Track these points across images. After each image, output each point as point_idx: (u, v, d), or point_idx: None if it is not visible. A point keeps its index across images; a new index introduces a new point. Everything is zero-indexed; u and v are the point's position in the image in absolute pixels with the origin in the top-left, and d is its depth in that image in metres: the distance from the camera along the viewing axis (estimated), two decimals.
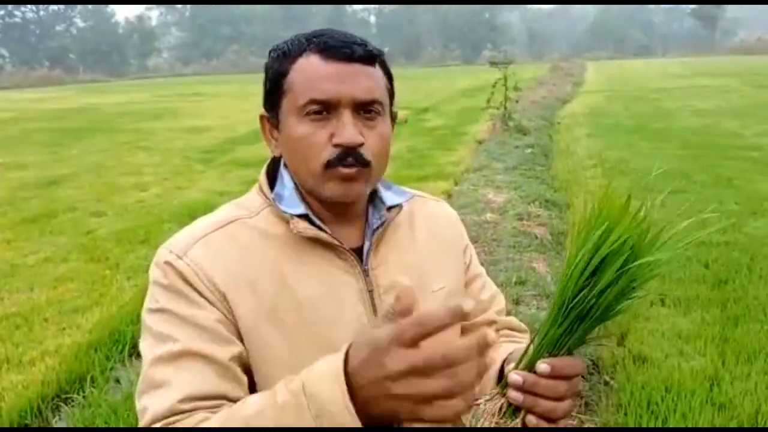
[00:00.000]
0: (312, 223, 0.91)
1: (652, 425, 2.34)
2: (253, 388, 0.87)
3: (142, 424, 0.81)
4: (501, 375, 0.92)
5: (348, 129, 0.86)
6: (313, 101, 0.86)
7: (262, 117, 0.95)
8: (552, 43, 72.77)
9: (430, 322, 0.57)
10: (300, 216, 0.91)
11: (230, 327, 0.86)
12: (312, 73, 0.87)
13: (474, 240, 4.36)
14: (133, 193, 6.94)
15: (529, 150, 7.95)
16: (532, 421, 0.76)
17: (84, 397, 2.73)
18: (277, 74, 0.90)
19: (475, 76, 21.91)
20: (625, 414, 2.42)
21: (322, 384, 0.64)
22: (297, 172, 0.92)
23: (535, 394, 0.75)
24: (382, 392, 0.59)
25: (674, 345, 2.97)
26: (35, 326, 3.54)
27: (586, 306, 0.73)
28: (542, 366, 0.75)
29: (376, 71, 0.90)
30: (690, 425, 2.34)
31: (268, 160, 0.99)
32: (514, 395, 0.75)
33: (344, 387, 0.62)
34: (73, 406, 2.72)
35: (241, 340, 0.87)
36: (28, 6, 57.94)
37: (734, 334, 3.04)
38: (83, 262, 4.63)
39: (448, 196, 5.93)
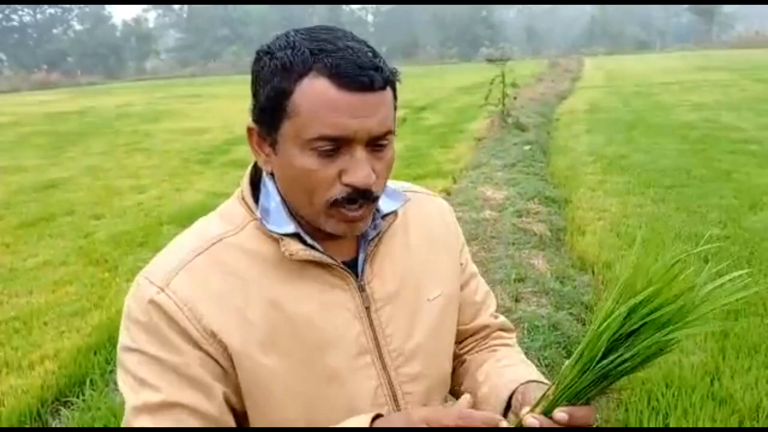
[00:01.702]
0: (303, 240, 0.85)
1: (653, 421, 2.34)
2: (244, 416, 0.85)
3: None
4: (508, 406, 0.91)
5: (362, 169, 0.78)
6: (323, 137, 0.77)
7: (250, 129, 0.85)
8: (550, 39, 72.72)
9: (469, 419, 0.70)
10: (290, 235, 0.84)
11: (216, 367, 0.81)
12: (324, 104, 0.76)
13: (473, 237, 4.36)
14: (131, 196, 6.94)
15: (528, 147, 7.94)
16: None
17: (83, 400, 2.73)
18: (277, 92, 0.78)
19: (473, 74, 21.90)
20: (626, 410, 2.42)
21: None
22: (294, 201, 0.85)
23: None
24: None
25: None
26: (34, 330, 3.53)
27: (613, 365, 0.73)
28: (560, 415, 0.75)
29: (389, 94, 0.81)
30: (691, 420, 2.34)
31: (250, 165, 0.92)
32: None
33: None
34: (72, 410, 2.71)
35: (234, 370, 0.82)
36: (26, 9, 57.94)
37: (734, 328, 3.03)
38: (82, 265, 4.63)
39: (447, 194, 5.92)
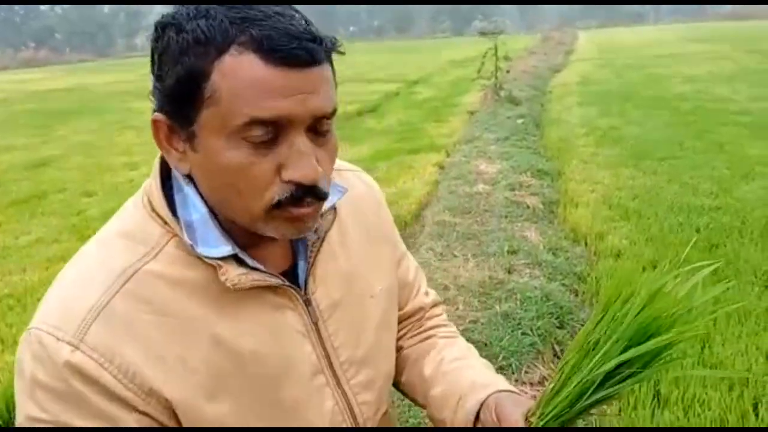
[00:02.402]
0: (241, 261, 0.71)
1: (644, 388, 2.37)
2: None
3: None
4: (477, 416, 0.84)
5: (306, 161, 0.65)
6: (256, 122, 0.63)
7: (155, 122, 0.68)
8: (543, 12, 72.08)
9: None
10: (226, 258, 0.70)
11: (155, 425, 0.68)
12: (252, 84, 0.62)
13: (466, 211, 4.37)
14: (123, 173, 6.90)
15: (521, 120, 7.92)
16: None
17: None
18: (191, 73, 0.63)
19: (465, 48, 21.74)
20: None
21: None
22: (224, 208, 0.70)
23: None
24: None
25: None
26: (29, 307, 3.53)
27: (600, 397, 0.72)
28: None
29: (329, 69, 0.67)
30: (682, 387, 2.37)
31: (157, 162, 0.74)
32: None
33: None
34: None
35: (180, 424, 0.70)
36: None
37: (725, 296, 3.06)
38: (75, 242, 4.61)
39: (440, 168, 5.92)
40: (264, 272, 0.72)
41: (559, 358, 2.61)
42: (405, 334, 1.00)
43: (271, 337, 0.73)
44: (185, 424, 0.69)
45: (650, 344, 0.68)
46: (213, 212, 0.71)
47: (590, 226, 4.11)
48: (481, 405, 0.83)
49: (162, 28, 0.65)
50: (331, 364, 0.79)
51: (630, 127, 7.49)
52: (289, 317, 0.75)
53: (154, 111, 0.68)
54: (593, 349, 0.71)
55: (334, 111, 0.68)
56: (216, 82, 0.62)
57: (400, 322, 0.97)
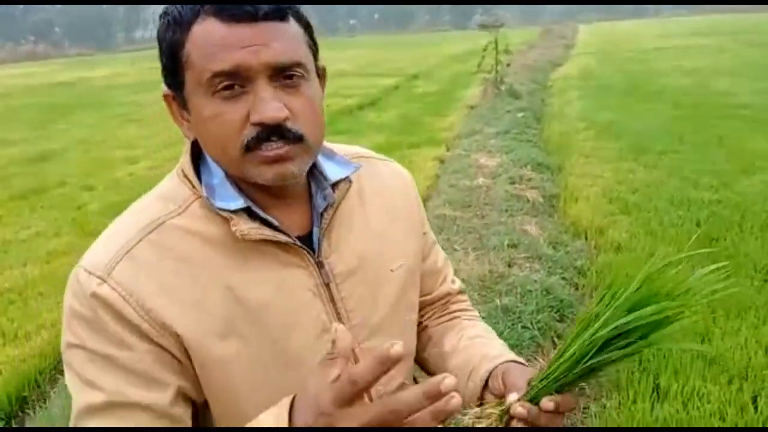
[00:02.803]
0: (253, 215, 0.79)
1: (643, 381, 2.38)
2: (205, 408, 0.81)
3: None
4: (486, 384, 0.89)
5: (266, 103, 0.72)
6: (217, 74, 0.72)
7: (166, 97, 0.81)
8: (543, 6, 71.83)
9: (362, 379, 0.56)
10: (239, 210, 0.78)
11: (170, 360, 0.76)
12: (212, 41, 0.72)
13: (467, 205, 4.37)
14: (123, 167, 6.90)
15: (521, 114, 7.91)
16: None
17: None
18: (172, 46, 0.75)
19: (466, 42, 21.67)
20: (617, 371, 2.46)
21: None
22: (216, 159, 0.79)
23: (535, 426, 0.76)
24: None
25: None
26: (30, 301, 3.54)
27: (599, 362, 0.75)
28: (548, 404, 0.75)
29: (291, 26, 0.76)
30: (681, 380, 2.38)
31: (189, 140, 0.84)
32: (518, 426, 0.77)
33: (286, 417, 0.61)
34: None
35: (191, 362, 0.77)
36: None
37: (725, 290, 3.07)
38: (75, 236, 4.62)
39: (441, 162, 5.92)
40: (275, 229, 0.79)
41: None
42: (431, 316, 1.06)
43: (279, 291, 0.80)
44: (195, 361, 0.76)
45: (648, 311, 0.71)
46: (228, 176, 0.80)
47: (591, 219, 4.11)
48: (490, 374, 0.87)
49: (160, 17, 0.77)
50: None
51: (630, 120, 7.48)
52: (299, 275, 0.81)
53: (164, 87, 0.80)
54: (594, 320, 0.74)
55: (299, 63, 0.75)
56: (188, 48, 0.73)
57: (427, 305, 1.05)
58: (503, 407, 0.79)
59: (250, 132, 0.73)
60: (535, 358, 2.56)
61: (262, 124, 0.73)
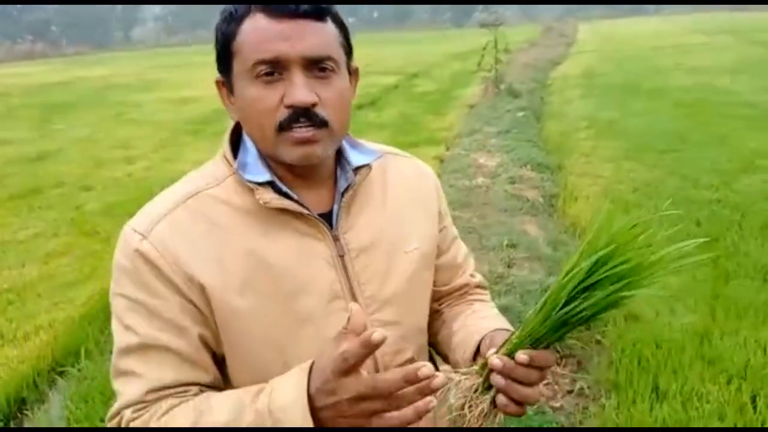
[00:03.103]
0: (278, 190, 0.89)
1: (642, 381, 2.37)
2: (223, 361, 0.91)
3: (115, 406, 0.86)
4: (477, 351, 0.94)
5: (298, 89, 0.83)
6: (260, 62, 0.83)
7: (217, 82, 0.92)
8: (543, 4, 71.75)
9: (351, 357, 0.69)
10: (265, 183, 0.89)
11: (195, 311, 0.86)
12: (258, 34, 0.83)
13: (466, 205, 4.36)
14: (121, 167, 6.88)
15: (521, 113, 7.90)
16: (502, 401, 0.81)
17: (79, 369, 2.75)
18: (225, 37, 0.87)
19: (465, 40, 21.65)
20: (617, 371, 2.45)
21: (288, 412, 0.73)
22: (253, 137, 0.90)
23: (511, 379, 0.80)
24: (338, 414, 0.72)
25: (665, 303, 2.99)
26: (28, 302, 3.54)
27: (573, 314, 0.78)
28: (521, 356, 0.79)
29: (327, 26, 0.87)
30: (680, 380, 2.37)
31: (231, 126, 0.96)
32: (496, 379, 0.80)
33: (308, 415, 0.72)
34: (69, 379, 2.73)
35: (212, 314, 0.87)
36: None
37: (725, 290, 3.07)
38: (74, 236, 4.61)
39: (440, 161, 5.91)
40: (295, 202, 0.89)
41: (559, 351, 2.61)
42: (448, 304, 1.13)
43: (297, 257, 0.89)
44: (216, 313, 0.86)
45: (613, 264, 0.74)
46: (262, 157, 0.91)
47: (590, 220, 4.11)
48: (480, 342, 0.94)
49: (220, 14, 0.89)
50: (354, 295, 0.93)
51: (631, 119, 7.48)
52: (315, 245, 0.91)
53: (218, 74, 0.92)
54: (565, 276, 0.78)
55: (330, 57, 0.85)
56: (238, 39, 0.85)
57: (444, 295, 1.13)
58: (483, 362, 0.83)
59: (282, 113, 0.84)
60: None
61: (293, 107, 0.83)
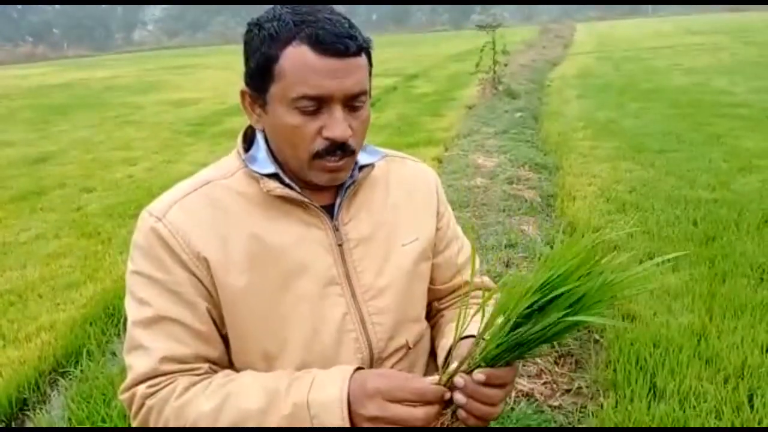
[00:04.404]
0: (281, 182, 0.96)
1: (640, 380, 2.39)
2: (225, 338, 0.97)
3: (128, 380, 0.92)
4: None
5: (340, 125, 0.89)
6: (305, 97, 0.88)
7: (243, 93, 0.97)
8: (541, 5, 71.79)
9: (400, 395, 0.80)
10: (270, 175, 0.95)
11: (201, 287, 0.93)
12: (305, 68, 0.87)
13: (464, 205, 4.38)
14: (122, 168, 6.90)
15: (519, 114, 7.92)
16: (462, 415, 0.84)
17: (81, 370, 2.76)
18: (265, 58, 0.89)
19: (464, 41, 21.66)
20: (614, 371, 2.47)
21: (327, 409, 0.81)
22: (282, 154, 0.96)
23: (472, 398, 0.83)
24: (363, 420, 0.80)
25: (663, 302, 3.01)
26: (30, 303, 3.55)
27: (524, 337, 0.77)
28: (478, 375, 0.82)
29: (363, 60, 0.92)
30: (678, 379, 2.39)
31: (246, 125, 1.03)
32: (458, 396, 0.83)
33: (347, 416, 0.80)
34: (70, 380, 2.74)
35: (216, 291, 0.93)
36: None
37: (722, 289, 3.08)
38: (75, 238, 4.63)
39: (438, 162, 5.92)
40: (297, 192, 0.95)
41: (556, 351, 2.63)
42: (450, 305, 1.17)
43: (297, 242, 0.96)
44: (219, 289, 0.93)
45: (567, 287, 0.74)
46: (271, 153, 0.97)
47: (588, 219, 4.13)
48: (451, 348, 0.96)
49: (251, 26, 0.92)
50: (350, 282, 0.99)
51: (628, 120, 7.50)
52: (315, 233, 0.97)
53: (243, 85, 0.96)
54: (523, 295, 0.79)
55: (365, 91, 0.92)
56: (281, 65, 0.88)
57: (446, 294, 1.17)
58: (448, 375, 0.84)
59: (319, 144, 0.91)
60: (533, 359, 2.57)
61: (332, 140, 0.90)
